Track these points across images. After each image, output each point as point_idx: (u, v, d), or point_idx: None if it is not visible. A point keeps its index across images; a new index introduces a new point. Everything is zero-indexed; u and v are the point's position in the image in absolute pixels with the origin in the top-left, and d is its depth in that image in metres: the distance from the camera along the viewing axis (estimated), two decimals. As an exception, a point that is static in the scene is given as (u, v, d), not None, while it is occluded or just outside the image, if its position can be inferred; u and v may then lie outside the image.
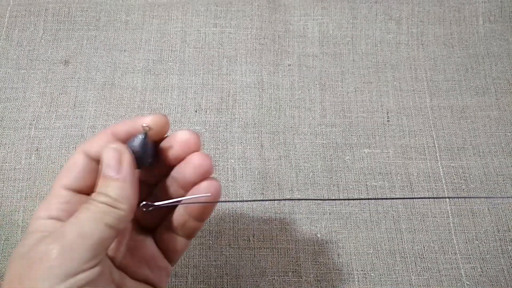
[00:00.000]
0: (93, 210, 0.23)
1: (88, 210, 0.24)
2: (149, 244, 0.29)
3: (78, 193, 0.26)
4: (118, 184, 0.24)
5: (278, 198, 0.42)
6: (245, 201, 0.42)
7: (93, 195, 0.25)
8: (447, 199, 0.43)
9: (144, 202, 0.24)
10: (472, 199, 0.42)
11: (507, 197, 0.42)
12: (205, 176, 0.27)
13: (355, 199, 0.42)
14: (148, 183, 0.29)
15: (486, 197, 0.42)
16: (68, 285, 0.21)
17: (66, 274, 0.22)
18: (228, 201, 0.26)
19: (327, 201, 0.42)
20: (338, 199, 0.42)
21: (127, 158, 0.25)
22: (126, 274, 0.27)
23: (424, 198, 0.43)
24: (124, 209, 0.24)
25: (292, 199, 0.42)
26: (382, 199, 0.43)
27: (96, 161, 0.26)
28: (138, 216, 0.28)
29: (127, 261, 0.28)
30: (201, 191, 0.26)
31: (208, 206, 0.27)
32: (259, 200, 0.42)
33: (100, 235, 0.23)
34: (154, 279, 0.28)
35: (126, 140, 0.26)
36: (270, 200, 0.42)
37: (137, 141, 0.26)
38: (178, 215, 0.28)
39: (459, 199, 0.42)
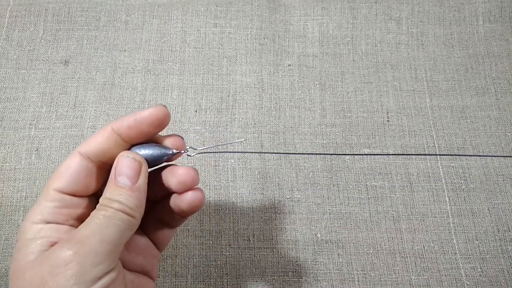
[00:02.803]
0: (110, 217, 0.24)
1: (105, 216, 0.24)
2: (140, 236, 0.30)
3: (70, 196, 0.26)
4: (134, 194, 0.25)
5: (278, 194, 0.42)
6: (256, 152, 0.42)
7: (105, 201, 0.25)
8: (447, 199, 0.43)
9: (188, 147, 0.26)
10: (472, 199, 0.42)
11: (499, 156, 0.42)
12: (197, 207, 0.28)
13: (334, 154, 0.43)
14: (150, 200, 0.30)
15: (478, 155, 0.42)
16: None
17: (93, 279, 0.22)
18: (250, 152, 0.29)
19: (327, 202, 0.42)
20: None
21: (144, 170, 0.26)
22: (125, 267, 0.28)
23: (413, 154, 0.43)
24: (138, 217, 0.25)
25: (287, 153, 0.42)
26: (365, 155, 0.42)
27: (94, 163, 0.26)
28: None
29: (125, 254, 0.28)
30: (185, 201, 0.28)
31: (195, 207, 0.28)
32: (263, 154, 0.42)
33: (119, 240, 0.24)
34: (148, 267, 0.30)
35: (128, 137, 0.26)
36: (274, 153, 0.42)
37: (150, 147, 0.27)
38: (161, 209, 0.30)
39: (459, 199, 0.42)
